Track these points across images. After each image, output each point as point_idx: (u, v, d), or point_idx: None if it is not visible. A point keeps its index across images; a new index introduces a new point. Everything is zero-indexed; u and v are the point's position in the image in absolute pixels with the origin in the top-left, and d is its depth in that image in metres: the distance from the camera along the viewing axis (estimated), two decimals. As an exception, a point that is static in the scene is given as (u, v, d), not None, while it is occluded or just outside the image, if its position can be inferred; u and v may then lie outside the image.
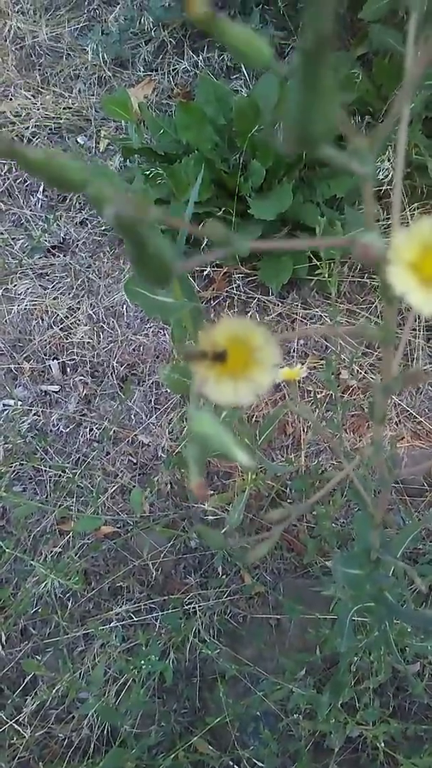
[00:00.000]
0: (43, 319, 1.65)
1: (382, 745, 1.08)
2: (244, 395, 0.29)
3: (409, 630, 0.98)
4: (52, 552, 1.36)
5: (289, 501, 1.37)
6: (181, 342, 0.98)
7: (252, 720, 1.19)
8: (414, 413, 1.47)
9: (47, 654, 1.28)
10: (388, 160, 1.49)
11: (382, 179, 1.46)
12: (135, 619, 1.31)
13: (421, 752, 1.12)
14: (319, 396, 1.47)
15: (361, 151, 0.28)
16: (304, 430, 1.46)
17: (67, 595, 1.33)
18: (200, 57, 1.97)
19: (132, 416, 1.53)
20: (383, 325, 0.34)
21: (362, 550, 0.65)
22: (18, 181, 1.87)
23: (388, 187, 1.47)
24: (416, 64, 0.28)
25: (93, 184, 0.27)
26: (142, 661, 1.14)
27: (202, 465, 0.29)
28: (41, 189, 1.86)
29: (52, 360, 1.60)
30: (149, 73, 2.02)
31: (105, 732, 1.21)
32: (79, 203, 1.84)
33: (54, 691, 1.19)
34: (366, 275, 1.61)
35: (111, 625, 1.30)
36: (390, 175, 1.47)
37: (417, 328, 1.51)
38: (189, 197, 1.58)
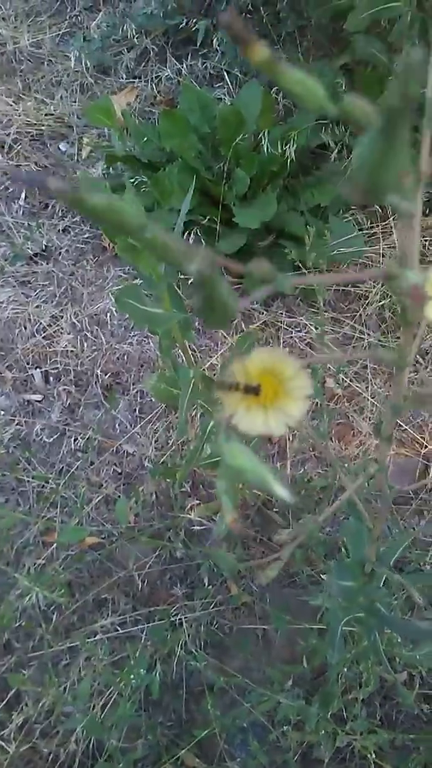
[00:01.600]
0: (25, 328, 1.63)
1: (372, 755, 1.08)
2: (275, 426, 0.29)
3: (398, 640, 0.98)
4: (35, 564, 1.34)
5: (275, 510, 1.37)
6: (168, 352, 0.98)
7: (240, 732, 1.18)
8: (398, 421, 1.48)
9: (31, 668, 1.26)
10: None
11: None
12: (120, 631, 1.29)
13: (409, 761, 1.12)
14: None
15: (406, 189, 0.28)
16: (289, 439, 1.46)
17: (52, 607, 1.31)
18: (183, 64, 1.97)
19: (116, 425, 1.51)
20: (399, 349, 0.34)
21: (356, 562, 0.65)
22: (0, 188, 1.86)
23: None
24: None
25: (150, 228, 0.28)
26: (130, 674, 1.13)
27: (236, 498, 0.29)
28: (23, 196, 1.85)
29: (35, 369, 1.59)
30: (132, 80, 2.02)
31: (91, 746, 1.19)
32: (62, 210, 1.82)
33: (39, 705, 1.16)
34: (350, 284, 1.61)
35: (96, 637, 1.28)
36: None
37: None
38: (173, 205, 1.58)
